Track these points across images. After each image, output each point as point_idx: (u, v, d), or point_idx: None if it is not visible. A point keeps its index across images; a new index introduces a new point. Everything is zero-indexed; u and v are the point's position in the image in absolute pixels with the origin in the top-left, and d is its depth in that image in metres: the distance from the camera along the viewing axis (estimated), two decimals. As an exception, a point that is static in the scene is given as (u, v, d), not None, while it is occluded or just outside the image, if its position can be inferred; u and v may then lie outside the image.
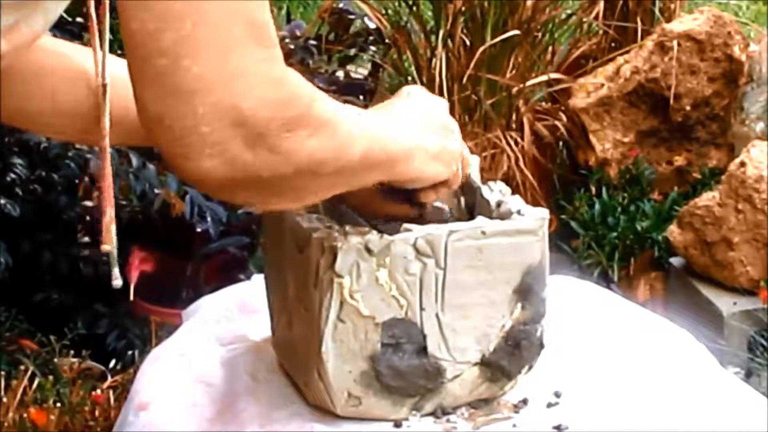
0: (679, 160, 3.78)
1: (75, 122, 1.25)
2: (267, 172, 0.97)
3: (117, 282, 1.25)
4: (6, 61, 1.07)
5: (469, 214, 1.36)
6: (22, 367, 2.51)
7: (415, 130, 1.20)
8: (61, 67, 1.24)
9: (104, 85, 1.22)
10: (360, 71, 3.83)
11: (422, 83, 3.59)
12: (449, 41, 3.62)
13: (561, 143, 3.82)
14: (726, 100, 3.72)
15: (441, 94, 3.50)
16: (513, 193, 1.35)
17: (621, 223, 3.49)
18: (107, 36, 1.22)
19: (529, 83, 3.71)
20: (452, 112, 3.61)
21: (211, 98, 0.92)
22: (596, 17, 3.91)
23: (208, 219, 2.86)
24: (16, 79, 1.16)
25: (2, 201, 2.71)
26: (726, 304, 3.12)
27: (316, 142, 0.99)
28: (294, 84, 0.98)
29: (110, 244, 1.23)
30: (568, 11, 4.02)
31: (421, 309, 1.23)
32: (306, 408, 1.28)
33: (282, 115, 0.96)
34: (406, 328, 1.23)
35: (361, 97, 3.50)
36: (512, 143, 3.60)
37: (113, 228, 1.24)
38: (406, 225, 1.24)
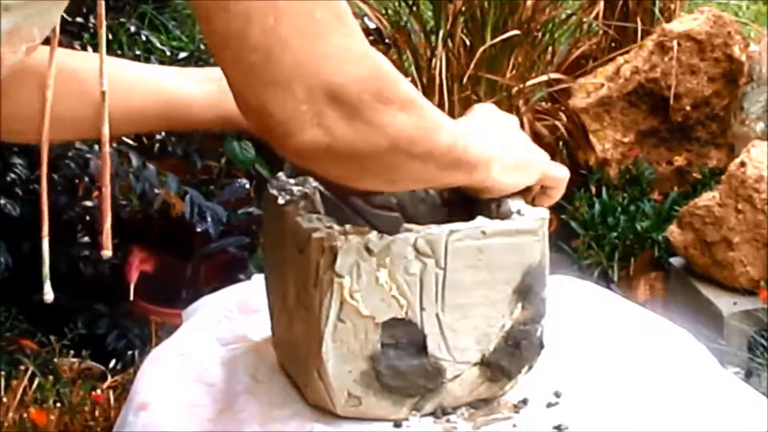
0: (679, 160, 3.78)
1: (35, 124, 1.26)
2: (364, 144, 1.03)
3: (48, 296, 1.30)
4: (6, 69, 1.07)
5: (469, 214, 1.36)
6: (22, 367, 2.51)
7: (493, 140, 1.23)
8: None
9: (103, 92, 1.23)
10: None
11: (422, 83, 3.59)
12: (449, 41, 3.62)
13: (561, 143, 3.82)
14: (726, 100, 3.72)
15: (441, 94, 3.50)
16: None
17: (621, 223, 3.49)
18: (104, 42, 1.23)
19: (529, 83, 3.71)
20: (452, 112, 3.62)
21: (307, 81, 0.98)
22: (596, 17, 3.92)
23: (208, 219, 2.86)
24: None
25: (2, 201, 2.71)
26: (726, 304, 3.12)
27: (407, 117, 1.04)
28: (378, 59, 1.03)
29: (109, 249, 1.25)
30: (568, 11, 4.02)
31: (421, 309, 1.23)
32: (306, 408, 1.28)
33: (372, 87, 1.01)
34: (406, 328, 1.23)
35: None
36: (512, 143, 3.59)
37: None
38: (406, 225, 1.24)
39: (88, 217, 2.73)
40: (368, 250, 1.20)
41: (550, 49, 3.94)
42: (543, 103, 3.94)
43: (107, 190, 1.27)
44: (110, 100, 1.25)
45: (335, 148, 1.02)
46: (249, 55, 0.97)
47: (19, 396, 2.43)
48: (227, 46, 0.98)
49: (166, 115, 1.31)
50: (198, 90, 1.32)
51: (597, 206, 3.56)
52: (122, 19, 3.22)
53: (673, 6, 4.03)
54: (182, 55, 2.97)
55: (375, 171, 1.09)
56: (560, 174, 1.34)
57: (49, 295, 1.29)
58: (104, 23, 1.22)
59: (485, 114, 1.30)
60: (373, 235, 1.21)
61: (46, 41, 1.17)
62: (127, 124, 1.31)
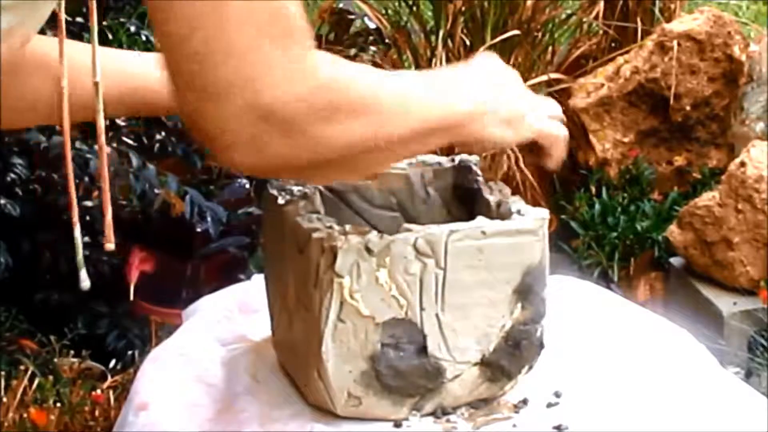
0: (679, 160, 3.78)
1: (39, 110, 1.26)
2: (308, 156, 1.01)
3: (85, 284, 1.28)
4: (4, 65, 1.08)
5: (469, 214, 1.36)
6: (22, 367, 2.51)
7: (478, 94, 1.19)
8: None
9: (96, 83, 1.23)
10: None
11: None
12: (449, 41, 3.62)
13: (561, 143, 3.82)
14: (726, 100, 3.72)
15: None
16: (513, 193, 1.35)
17: (621, 223, 3.49)
18: (95, 33, 1.22)
19: (529, 83, 3.71)
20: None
21: (240, 98, 0.95)
22: (596, 17, 3.91)
23: (208, 219, 2.86)
24: None
25: (2, 201, 2.71)
26: (726, 304, 3.12)
27: (357, 124, 1.02)
28: (326, 73, 1.00)
29: (112, 243, 1.25)
30: (568, 11, 4.02)
31: (421, 309, 1.23)
32: (306, 408, 1.28)
33: (313, 104, 0.98)
34: (406, 328, 1.23)
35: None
36: (512, 143, 3.59)
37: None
38: (406, 225, 1.24)
39: (88, 217, 2.73)
40: (368, 250, 1.20)
41: (550, 49, 3.94)
42: (543, 103, 3.93)
43: (106, 184, 1.27)
44: (81, 85, 1.24)
45: (278, 165, 1.01)
46: (189, 62, 0.95)
47: (19, 396, 2.43)
48: (171, 49, 0.96)
49: (135, 103, 1.30)
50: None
51: (597, 206, 3.56)
52: (122, 19, 3.22)
53: (673, 6, 4.03)
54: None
55: (336, 170, 1.08)
56: (555, 131, 1.31)
57: (86, 282, 1.28)
58: (95, 12, 1.21)
59: (483, 65, 1.25)
60: (373, 235, 1.21)
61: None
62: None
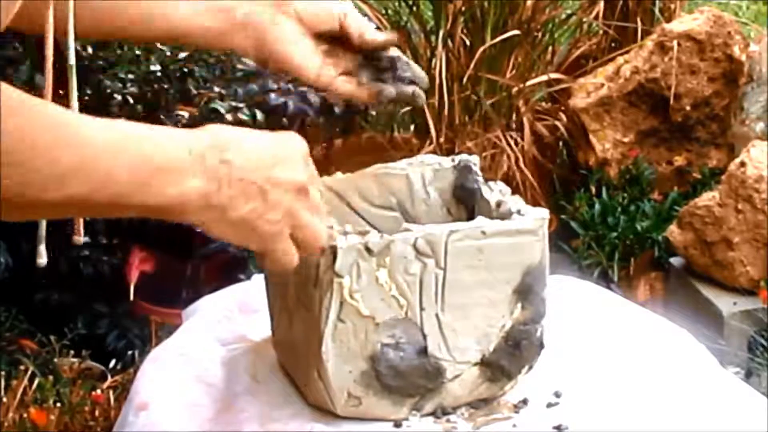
0: (679, 160, 3.78)
1: None
2: None
3: (41, 260, 1.22)
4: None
5: (469, 214, 1.36)
6: (22, 367, 2.51)
7: (211, 184, 1.04)
8: None
9: (71, 66, 1.21)
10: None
11: (422, 83, 3.59)
12: (449, 41, 3.62)
13: (561, 143, 3.82)
14: (726, 100, 3.72)
15: (441, 94, 3.50)
16: (513, 193, 1.35)
17: (621, 223, 3.49)
18: (72, 17, 1.20)
19: (529, 83, 3.71)
20: (452, 112, 3.63)
21: None
22: (596, 17, 3.91)
23: (209, 219, 2.85)
24: None
25: (2, 201, 2.70)
26: (726, 304, 3.12)
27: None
28: None
29: (81, 236, 1.23)
30: (568, 11, 4.02)
31: (421, 309, 1.23)
32: (306, 408, 1.28)
33: None
34: (406, 328, 1.23)
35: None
36: (512, 143, 3.60)
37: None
38: (406, 225, 1.24)
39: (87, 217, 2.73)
40: (368, 250, 1.20)
41: (550, 49, 3.94)
42: (543, 103, 3.94)
43: None
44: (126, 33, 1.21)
45: None
46: None
47: (19, 396, 2.43)
48: None
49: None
50: (207, 21, 1.30)
51: (597, 206, 3.56)
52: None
53: (673, 6, 4.03)
54: (182, 54, 2.97)
55: None
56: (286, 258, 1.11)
57: (42, 258, 1.22)
58: None
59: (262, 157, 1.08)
60: (373, 235, 1.21)
61: None
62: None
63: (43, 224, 1.22)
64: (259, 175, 1.07)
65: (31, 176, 0.93)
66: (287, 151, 1.11)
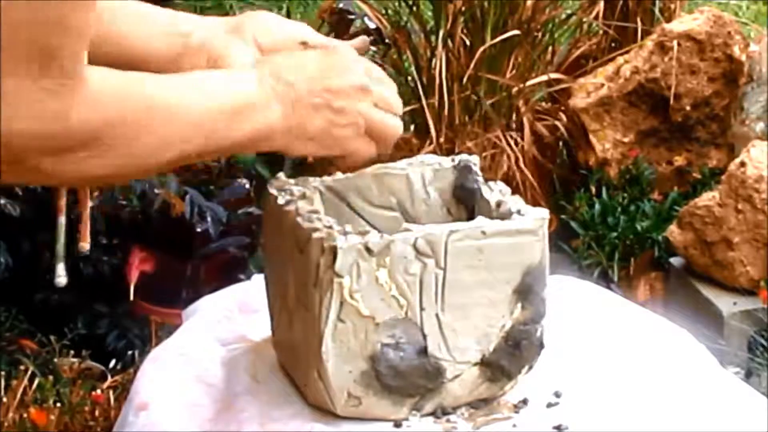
0: (679, 160, 3.78)
1: None
2: (23, 180, 1.02)
3: (60, 280, 1.28)
4: None
5: (469, 214, 1.36)
6: (22, 367, 2.51)
7: (286, 106, 1.16)
8: None
9: None
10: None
11: (422, 83, 3.59)
12: (449, 41, 3.62)
13: (561, 143, 3.82)
14: (726, 100, 3.72)
15: (441, 94, 3.50)
16: (513, 193, 1.35)
17: (621, 223, 3.49)
18: None
19: (529, 83, 3.71)
20: (452, 112, 3.63)
21: None
22: (596, 17, 3.91)
23: (208, 219, 2.85)
24: None
25: (2, 201, 2.71)
26: (726, 304, 3.12)
27: (92, 164, 0.99)
28: (77, 119, 0.96)
29: (87, 242, 1.25)
30: (568, 11, 4.02)
31: (421, 309, 1.23)
32: (306, 408, 1.28)
33: (47, 146, 0.95)
34: (406, 328, 1.23)
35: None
36: (512, 143, 3.60)
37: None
38: (406, 225, 1.24)
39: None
40: (368, 250, 1.20)
41: (550, 49, 3.94)
42: (543, 103, 3.94)
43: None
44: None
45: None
46: None
47: (19, 396, 2.43)
48: None
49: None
50: (162, 45, 1.29)
51: (597, 206, 3.56)
52: None
53: (673, 6, 4.03)
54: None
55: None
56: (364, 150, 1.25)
57: (61, 278, 1.27)
58: None
59: (310, 61, 1.21)
60: (373, 235, 1.21)
61: None
62: None
63: (62, 242, 1.26)
64: (319, 88, 1.18)
65: (142, 148, 1.03)
66: (335, 60, 1.21)
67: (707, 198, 3.23)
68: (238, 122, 1.13)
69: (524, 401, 1.30)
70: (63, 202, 1.26)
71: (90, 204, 2.73)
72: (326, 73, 1.20)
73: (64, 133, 0.96)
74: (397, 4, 3.79)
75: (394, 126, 1.25)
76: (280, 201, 1.29)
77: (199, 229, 2.84)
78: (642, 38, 3.81)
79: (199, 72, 1.19)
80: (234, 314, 1.50)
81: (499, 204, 1.33)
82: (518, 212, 1.29)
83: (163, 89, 1.07)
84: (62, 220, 1.26)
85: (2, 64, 0.91)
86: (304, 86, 1.18)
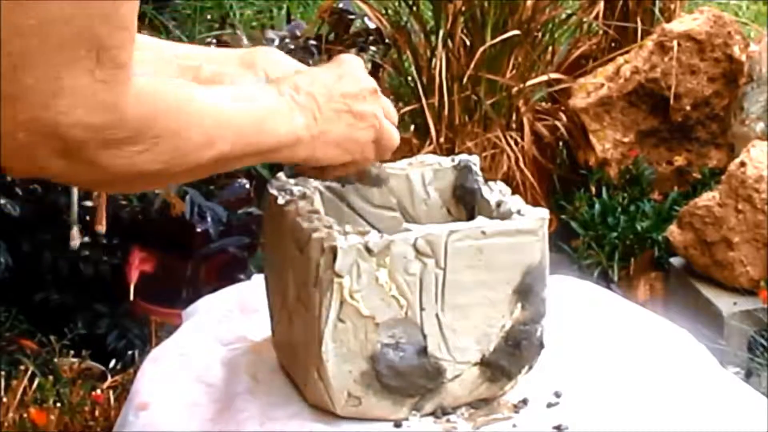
0: (679, 160, 3.78)
1: None
2: (81, 177, 1.02)
3: (75, 243, 1.30)
4: None
5: (469, 214, 1.36)
6: (22, 367, 2.51)
7: (308, 115, 1.19)
8: None
9: None
10: (360, 71, 3.82)
11: (422, 83, 3.59)
12: (449, 41, 3.62)
13: (561, 143, 3.82)
14: (726, 100, 3.72)
15: (441, 94, 3.50)
16: (513, 193, 1.35)
17: (621, 223, 3.49)
18: None
19: (529, 83, 3.71)
20: (452, 112, 3.62)
21: (34, 109, 0.94)
22: (596, 17, 3.91)
23: (208, 219, 2.86)
24: None
25: (2, 201, 2.71)
26: (726, 304, 3.12)
27: (142, 158, 1.01)
28: (129, 110, 0.98)
29: (103, 225, 1.26)
30: (568, 11, 4.02)
31: (421, 309, 1.23)
32: (306, 408, 1.28)
33: (102, 137, 0.97)
34: (406, 328, 1.23)
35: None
36: (512, 143, 3.60)
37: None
38: (406, 225, 1.24)
39: (88, 217, 2.73)
40: (368, 250, 1.20)
41: (550, 49, 3.94)
42: (543, 103, 3.94)
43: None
44: None
45: (44, 175, 1.00)
46: (3, 56, 0.93)
47: (19, 396, 2.43)
48: None
49: None
50: (170, 74, 1.30)
51: (597, 206, 3.56)
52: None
53: (673, 6, 4.03)
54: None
55: (108, 188, 1.08)
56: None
57: (75, 240, 1.29)
58: None
59: (323, 74, 1.23)
60: (373, 235, 1.21)
61: None
62: None
63: (75, 206, 1.27)
64: (337, 94, 1.21)
65: (186, 143, 1.05)
66: (345, 68, 1.25)
67: (707, 198, 3.23)
68: (267, 128, 1.15)
69: (524, 401, 1.30)
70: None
71: (90, 204, 2.73)
72: (340, 80, 1.23)
73: (116, 124, 0.98)
74: (397, 4, 3.79)
75: (396, 134, 1.28)
76: (280, 201, 1.29)
77: (199, 229, 2.85)
78: (642, 38, 3.81)
79: (222, 86, 1.22)
80: (234, 314, 1.50)
81: (499, 204, 1.33)
82: (518, 212, 1.29)
83: (200, 89, 1.11)
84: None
85: (58, 58, 0.94)
86: (323, 94, 1.21)
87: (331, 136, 1.21)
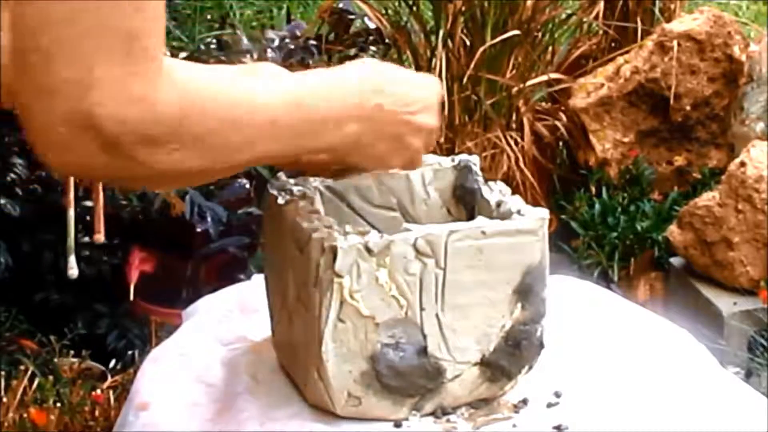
0: (679, 160, 3.78)
1: None
2: (125, 174, 1.01)
3: (73, 272, 1.30)
4: None
5: (469, 214, 1.36)
6: (22, 367, 2.51)
7: (364, 127, 1.19)
8: None
9: None
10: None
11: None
12: (449, 41, 3.62)
13: (561, 143, 3.82)
14: (726, 100, 3.72)
15: (441, 94, 3.50)
16: (513, 193, 1.35)
17: (621, 223, 3.49)
18: None
19: (529, 83, 3.71)
20: (452, 112, 3.63)
21: (70, 102, 0.95)
22: (596, 17, 3.91)
23: (208, 219, 2.86)
24: None
25: (2, 201, 2.71)
26: (726, 304, 3.12)
27: (182, 155, 1.01)
28: (163, 103, 0.98)
29: (101, 233, 1.26)
30: (568, 11, 4.02)
31: (421, 309, 1.23)
32: (306, 408, 1.28)
33: (137, 131, 0.97)
34: (406, 328, 1.23)
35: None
36: (512, 143, 3.60)
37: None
38: (406, 225, 1.24)
39: (88, 217, 2.73)
40: (368, 250, 1.20)
41: (550, 49, 3.94)
42: (543, 103, 3.94)
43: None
44: None
45: (93, 175, 1.02)
46: (32, 54, 0.94)
47: (19, 396, 2.43)
48: (20, 38, 0.95)
49: None
50: None
51: (597, 206, 3.56)
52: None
53: (673, 6, 4.03)
54: (182, 55, 2.97)
55: (150, 185, 1.08)
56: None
57: (73, 270, 1.29)
58: None
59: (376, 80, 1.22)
60: (373, 235, 1.21)
61: None
62: None
63: (71, 236, 1.27)
64: (402, 120, 1.22)
65: (225, 149, 1.05)
66: (430, 97, 1.25)
67: (707, 198, 3.23)
68: (319, 133, 1.16)
69: (524, 401, 1.30)
70: (71, 196, 1.27)
71: (90, 204, 2.73)
72: (418, 106, 1.24)
73: (152, 117, 0.97)
74: (397, 4, 3.79)
75: (420, 162, 1.32)
76: (280, 201, 1.29)
77: (199, 229, 2.85)
78: (642, 38, 3.81)
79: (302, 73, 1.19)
80: (234, 314, 1.50)
81: (499, 204, 1.33)
82: (518, 212, 1.29)
83: (251, 84, 1.11)
84: (71, 213, 1.26)
85: (90, 47, 0.94)
86: (391, 112, 1.21)
87: (372, 152, 1.23)
